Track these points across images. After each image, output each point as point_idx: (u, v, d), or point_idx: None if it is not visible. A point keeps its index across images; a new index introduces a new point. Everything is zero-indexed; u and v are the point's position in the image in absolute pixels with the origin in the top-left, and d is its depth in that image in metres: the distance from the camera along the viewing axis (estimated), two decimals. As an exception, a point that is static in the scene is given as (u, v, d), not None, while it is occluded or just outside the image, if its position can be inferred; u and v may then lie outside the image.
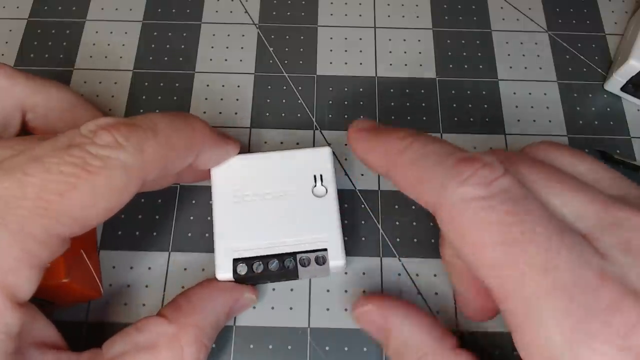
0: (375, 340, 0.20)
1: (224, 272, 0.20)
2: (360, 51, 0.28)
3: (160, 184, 0.22)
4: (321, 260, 0.20)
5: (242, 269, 0.20)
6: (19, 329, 0.15)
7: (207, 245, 0.23)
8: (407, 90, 0.27)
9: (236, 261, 0.20)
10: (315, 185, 0.21)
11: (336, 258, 0.20)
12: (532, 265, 0.14)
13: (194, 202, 0.24)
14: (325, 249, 0.20)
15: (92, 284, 0.21)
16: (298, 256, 0.20)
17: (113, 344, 0.18)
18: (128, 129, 0.16)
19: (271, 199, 0.21)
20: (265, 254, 0.20)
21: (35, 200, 0.14)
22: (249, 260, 0.20)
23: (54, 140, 0.16)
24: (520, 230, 0.14)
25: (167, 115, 0.18)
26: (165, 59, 0.28)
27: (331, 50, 0.28)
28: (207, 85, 0.27)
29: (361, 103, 0.27)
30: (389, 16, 0.29)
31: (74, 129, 0.16)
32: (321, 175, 0.21)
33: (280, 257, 0.20)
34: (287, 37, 0.28)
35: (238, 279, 0.20)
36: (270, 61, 0.28)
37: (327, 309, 0.22)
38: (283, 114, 0.26)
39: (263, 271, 0.20)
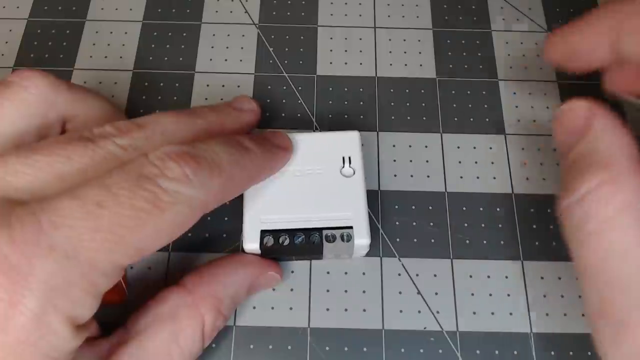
0: (561, 145, 0.18)
1: (251, 243, 0.20)
2: (360, 51, 0.28)
3: None
4: (346, 238, 0.20)
5: (269, 241, 0.20)
6: (76, 349, 0.15)
7: (207, 245, 0.23)
8: (407, 90, 0.27)
9: (263, 233, 0.20)
10: (343, 167, 0.22)
11: (361, 236, 0.20)
12: None
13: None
14: (351, 227, 0.20)
15: (119, 289, 0.21)
16: (324, 232, 0.20)
17: (137, 319, 0.18)
18: (195, 162, 0.17)
19: (301, 176, 0.21)
20: (292, 227, 0.20)
21: (107, 234, 0.15)
22: (276, 233, 0.20)
23: (123, 168, 0.16)
24: None
25: (228, 147, 0.18)
26: (165, 59, 0.28)
27: (331, 50, 0.28)
28: (207, 85, 0.27)
29: (361, 103, 0.27)
30: (389, 16, 0.29)
31: (141, 155, 0.17)
32: (349, 157, 0.22)
33: (307, 231, 0.20)
34: (287, 37, 0.28)
35: (264, 250, 0.20)
36: (270, 61, 0.28)
37: (327, 309, 0.22)
38: (283, 114, 0.26)
39: (289, 244, 0.20)
